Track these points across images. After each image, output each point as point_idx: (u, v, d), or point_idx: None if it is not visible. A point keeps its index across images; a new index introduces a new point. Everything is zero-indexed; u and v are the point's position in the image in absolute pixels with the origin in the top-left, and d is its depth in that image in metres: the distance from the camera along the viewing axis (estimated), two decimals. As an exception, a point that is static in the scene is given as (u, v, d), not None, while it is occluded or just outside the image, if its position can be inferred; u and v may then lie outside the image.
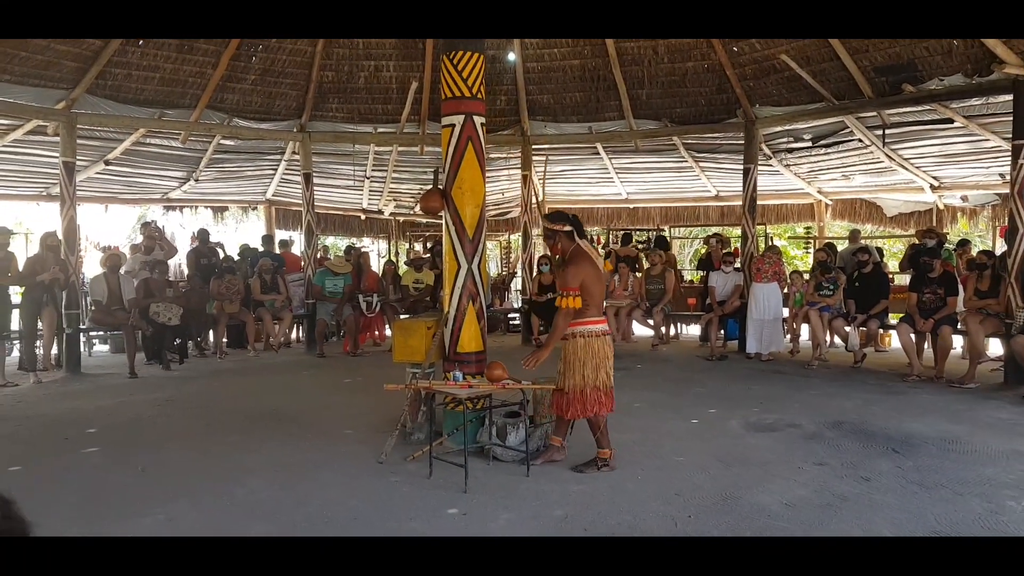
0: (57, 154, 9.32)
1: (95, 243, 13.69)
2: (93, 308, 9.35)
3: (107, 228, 16.50)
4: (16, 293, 8.84)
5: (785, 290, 9.60)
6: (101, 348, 11.22)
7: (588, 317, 4.65)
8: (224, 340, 10.55)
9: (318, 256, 11.68)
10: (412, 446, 5.19)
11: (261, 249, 11.88)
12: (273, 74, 10.50)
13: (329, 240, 18.35)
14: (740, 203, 10.65)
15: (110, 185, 12.17)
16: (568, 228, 4.71)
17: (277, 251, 12.08)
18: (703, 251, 12.82)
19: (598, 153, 12.56)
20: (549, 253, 5.35)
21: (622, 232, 13.45)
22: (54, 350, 9.06)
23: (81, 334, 9.44)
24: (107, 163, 11.06)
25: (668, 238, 14.12)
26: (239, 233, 15.83)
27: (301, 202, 11.41)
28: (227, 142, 11.51)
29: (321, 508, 4.05)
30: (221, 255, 11.23)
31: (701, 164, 12.45)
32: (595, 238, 14.38)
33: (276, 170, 13.05)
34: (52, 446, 5.47)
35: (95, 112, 9.45)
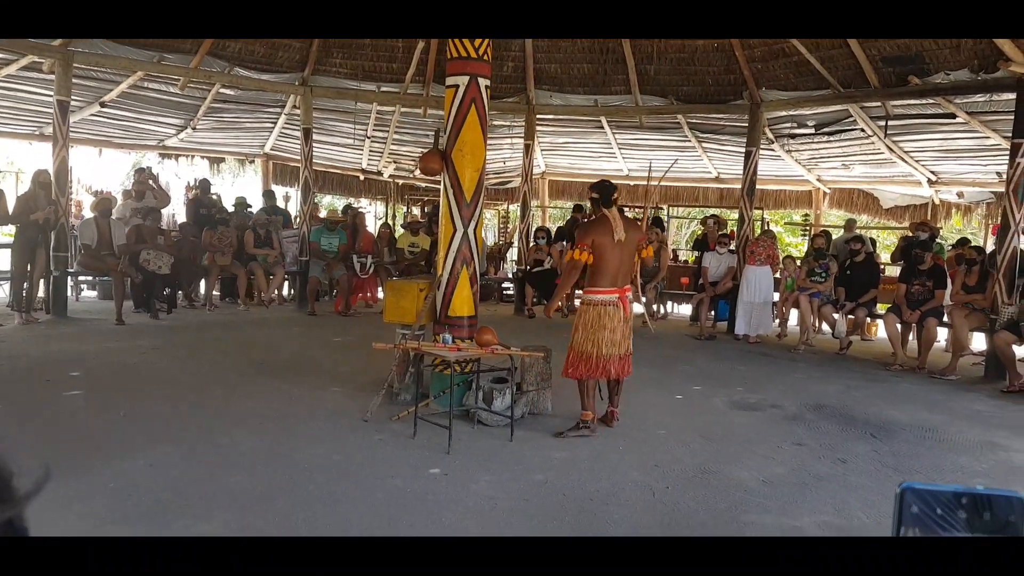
0: (51, 92, 9.19)
1: (87, 187, 13.58)
2: (82, 252, 9.27)
3: (100, 172, 16.38)
4: (4, 233, 8.75)
5: (777, 274, 9.64)
6: (89, 294, 11.17)
7: (594, 286, 4.86)
8: (215, 292, 10.54)
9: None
10: (398, 406, 5.23)
11: (258, 205, 11.77)
12: (277, 24, 10.36)
13: (326, 199, 18.27)
14: (739, 186, 10.64)
15: (105, 128, 12.01)
16: (594, 195, 4.99)
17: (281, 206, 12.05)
18: (700, 232, 12.81)
19: (602, 127, 12.51)
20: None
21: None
22: (41, 292, 8.99)
23: (69, 278, 9.40)
24: (103, 105, 10.91)
25: (665, 218, 14.12)
26: (235, 187, 15.77)
27: (299, 158, 11.34)
28: (227, 91, 11.36)
29: (303, 461, 4.09)
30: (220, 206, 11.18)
31: (703, 144, 12.40)
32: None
33: (275, 123, 12.92)
34: (33, 387, 5.48)
35: (92, 52, 9.29)
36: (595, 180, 5.20)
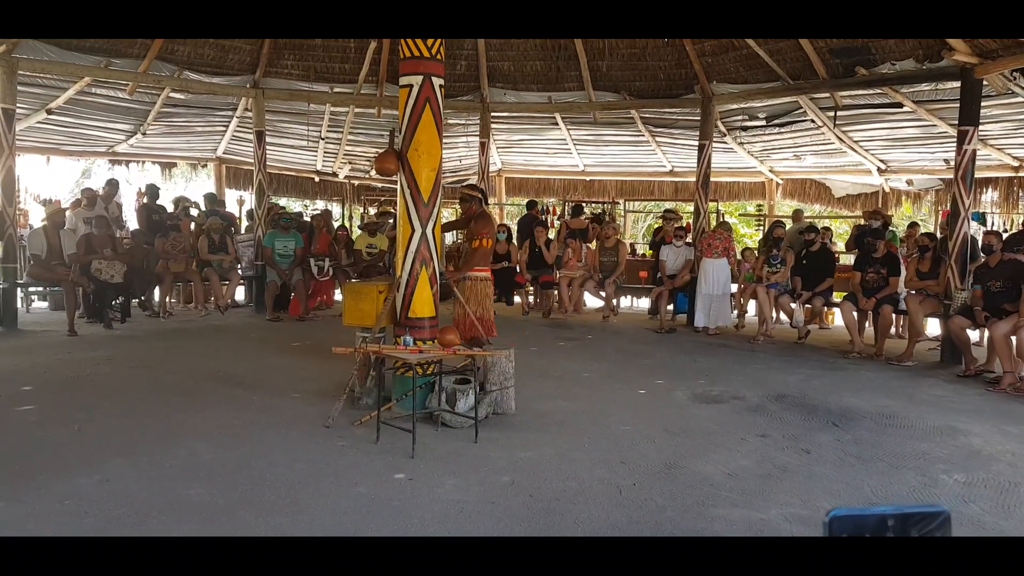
0: (-4, 100, 8.93)
1: (35, 196, 13.21)
2: (31, 262, 9.02)
3: (49, 181, 15.99)
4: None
5: (734, 267, 9.74)
6: (40, 305, 10.89)
7: (482, 267, 6.30)
8: (170, 300, 10.33)
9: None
10: (360, 411, 5.16)
11: (202, 208, 11.47)
12: (226, 27, 10.18)
13: (282, 201, 18.01)
14: (694, 179, 10.74)
15: (52, 135, 11.72)
16: (478, 195, 6.48)
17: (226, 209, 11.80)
18: (657, 225, 12.89)
19: (557, 124, 12.53)
20: (462, 210, 6.60)
21: (573, 204, 13.41)
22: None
23: (18, 289, 9.13)
24: (49, 112, 10.63)
25: (617, 214, 14.21)
26: (188, 191, 15.45)
27: (252, 161, 11.16)
28: (177, 95, 11.14)
29: (265, 471, 4.00)
30: (170, 210, 10.94)
31: (657, 139, 12.50)
32: (550, 208, 14.39)
33: (227, 127, 12.70)
34: (-15, 403, 5.29)
35: (37, 58, 9.05)
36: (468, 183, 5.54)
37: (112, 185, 10.76)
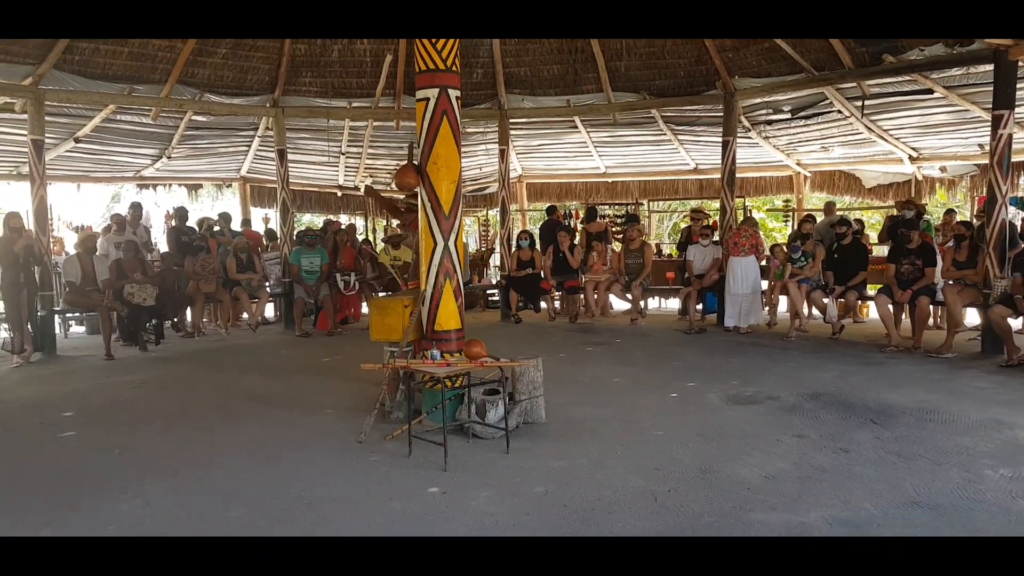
0: (25, 131, 9.11)
1: (67, 223, 13.44)
2: (67, 289, 9.18)
3: (80, 207, 16.27)
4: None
5: (764, 262, 9.61)
6: (77, 329, 11.09)
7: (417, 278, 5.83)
8: (204, 320, 10.44)
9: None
10: (391, 425, 5.15)
11: (216, 229, 11.54)
12: (244, 47, 10.29)
13: (306, 217, 18.18)
14: (719, 176, 10.61)
15: (81, 163, 11.93)
16: (414, 203, 5.82)
17: (238, 228, 11.88)
18: (683, 223, 12.79)
19: (576, 127, 12.49)
20: (405, 223, 6.38)
21: (588, 207, 13.33)
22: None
23: (56, 316, 9.30)
24: (77, 140, 10.82)
25: (642, 214, 14.14)
26: (215, 211, 15.63)
27: (276, 179, 11.25)
28: (199, 118, 11.29)
29: (301, 490, 4.00)
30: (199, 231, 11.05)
31: (680, 137, 12.39)
32: (573, 212, 14.34)
33: (250, 146, 12.84)
34: (27, 431, 5.38)
35: (63, 88, 9.22)
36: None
37: (136, 208, 10.91)
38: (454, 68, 5.26)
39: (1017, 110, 7.88)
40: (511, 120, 11.60)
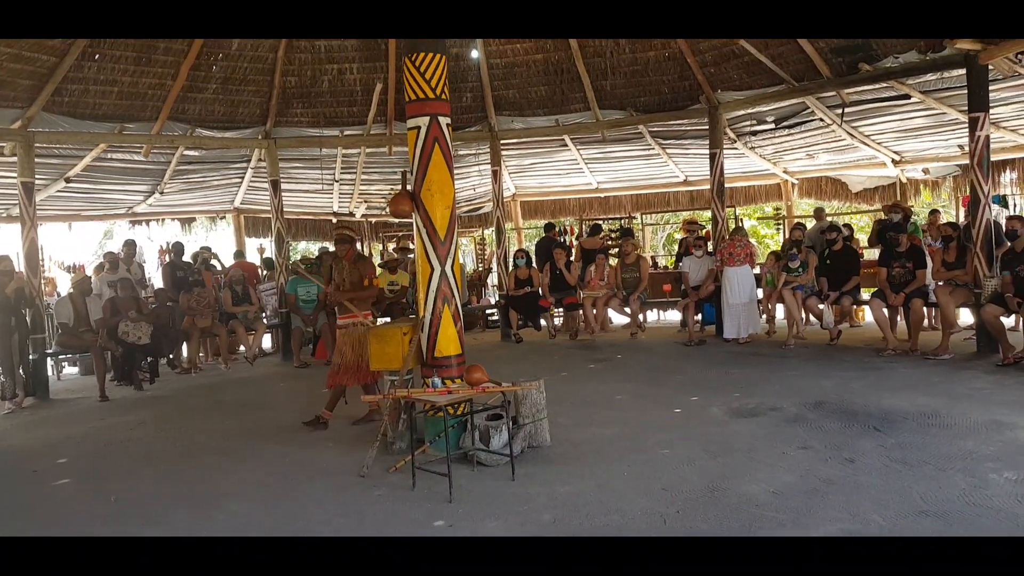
0: (15, 174, 9.11)
1: (59, 263, 13.40)
2: (59, 331, 9.12)
3: (72, 246, 16.22)
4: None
5: (756, 270, 9.64)
6: (71, 370, 11.00)
7: (348, 312, 6.10)
8: (200, 355, 10.40)
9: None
10: (394, 456, 5.12)
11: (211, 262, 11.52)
12: (235, 82, 10.35)
13: (301, 245, 18.18)
14: (708, 187, 10.68)
15: (72, 202, 11.94)
16: (357, 237, 6.70)
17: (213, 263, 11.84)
18: (676, 235, 12.84)
19: (566, 145, 12.57)
20: (340, 254, 6.41)
21: (591, 224, 13.38)
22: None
23: (48, 358, 9.23)
24: (68, 180, 10.82)
25: (636, 227, 14.19)
26: (208, 243, 15.62)
27: (270, 209, 11.27)
28: (191, 152, 11.34)
29: (304, 529, 3.97)
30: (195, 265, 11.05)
31: (668, 151, 12.48)
32: (568, 228, 14.38)
33: (243, 178, 12.88)
34: (21, 480, 5.30)
35: (53, 130, 9.25)
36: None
37: (129, 245, 10.90)
38: (443, 96, 5.29)
39: (993, 111, 8.00)
40: (502, 141, 11.67)
